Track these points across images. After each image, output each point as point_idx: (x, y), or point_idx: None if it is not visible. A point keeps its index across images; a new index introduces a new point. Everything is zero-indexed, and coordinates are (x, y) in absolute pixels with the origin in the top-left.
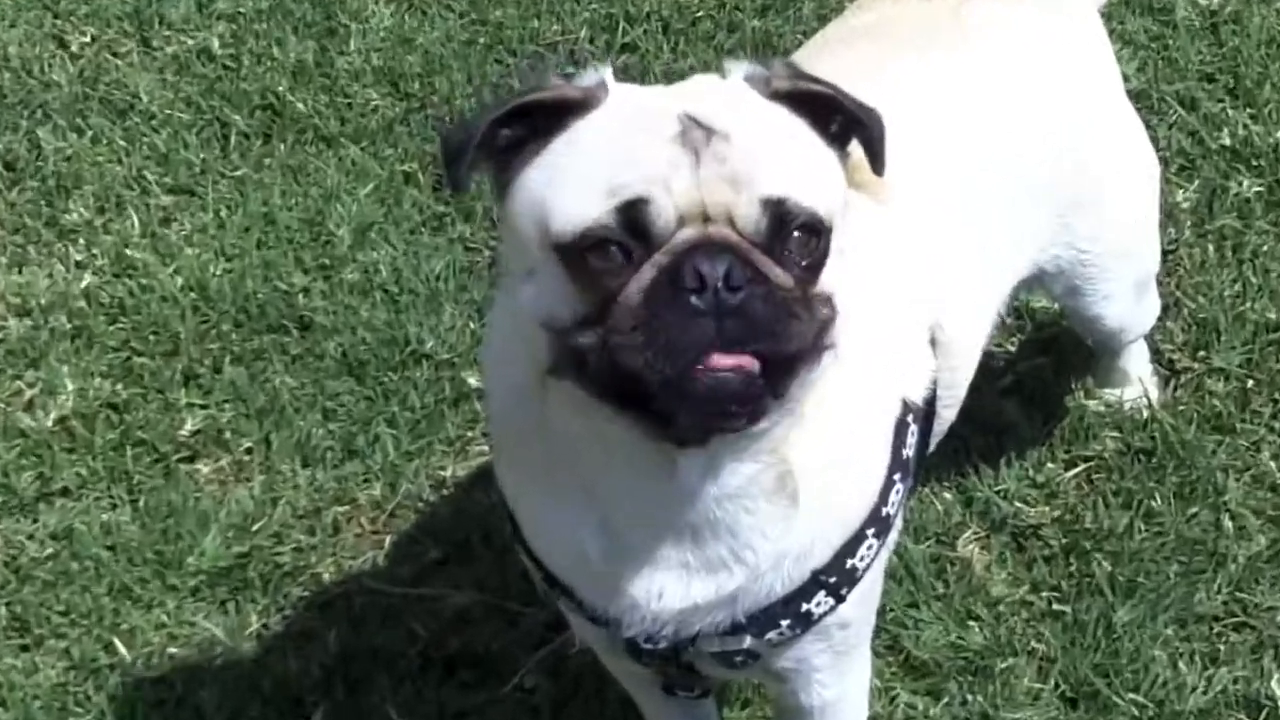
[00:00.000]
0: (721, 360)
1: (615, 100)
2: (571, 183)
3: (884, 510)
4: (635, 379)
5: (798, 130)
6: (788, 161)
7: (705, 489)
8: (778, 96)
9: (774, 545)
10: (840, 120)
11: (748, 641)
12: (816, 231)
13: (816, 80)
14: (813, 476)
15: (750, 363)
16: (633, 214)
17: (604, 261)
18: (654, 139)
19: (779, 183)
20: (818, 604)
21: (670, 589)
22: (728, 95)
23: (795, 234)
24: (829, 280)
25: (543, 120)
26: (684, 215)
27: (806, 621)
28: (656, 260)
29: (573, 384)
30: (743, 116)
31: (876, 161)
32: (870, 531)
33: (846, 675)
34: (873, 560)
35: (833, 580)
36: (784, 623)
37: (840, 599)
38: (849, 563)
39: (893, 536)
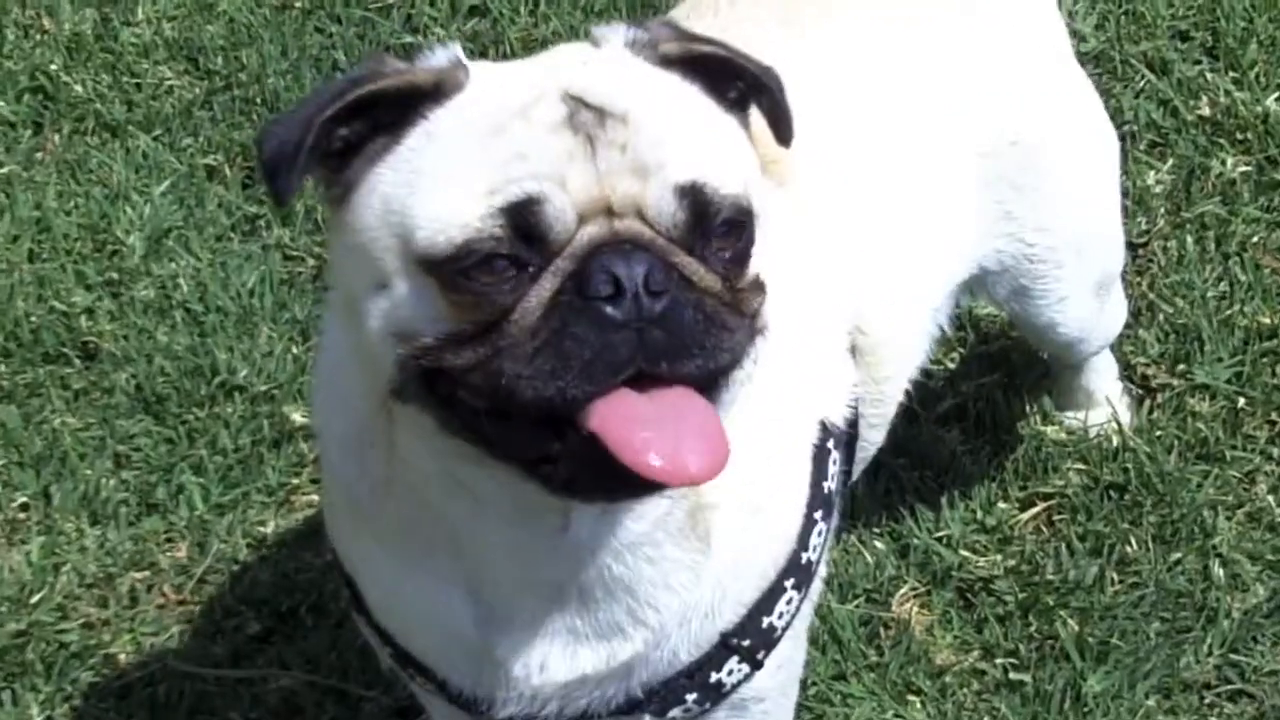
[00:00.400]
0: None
1: (478, 82)
2: (439, 186)
3: (804, 556)
4: (531, 413)
5: (699, 102)
6: (697, 141)
7: (602, 540)
8: (668, 63)
9: (681, 599)
10: (739, 86)
11: None
12: (740, 219)
13: (710, 41)
14: (729, 511)
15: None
16: (524, 217)
17: (490, 276)
18: (537, 127)
19: (692, 167)
20: (729, 672)
21: (554, 660)
22: (612, 67)
23: (718, 225)
24: (758, 261)
25: (387, 113)
26: (584, 214)
27: (717, 694)
28: (558, 267)
29: (430, 417)
30: (636, 92)
31: (782, 130)
32: (789, 582)
33: None
34: (793, 617)
35: (746, 643)
36: (690, 697)
37: (756, 665)
38: (765, 621)
39: (816, 587)
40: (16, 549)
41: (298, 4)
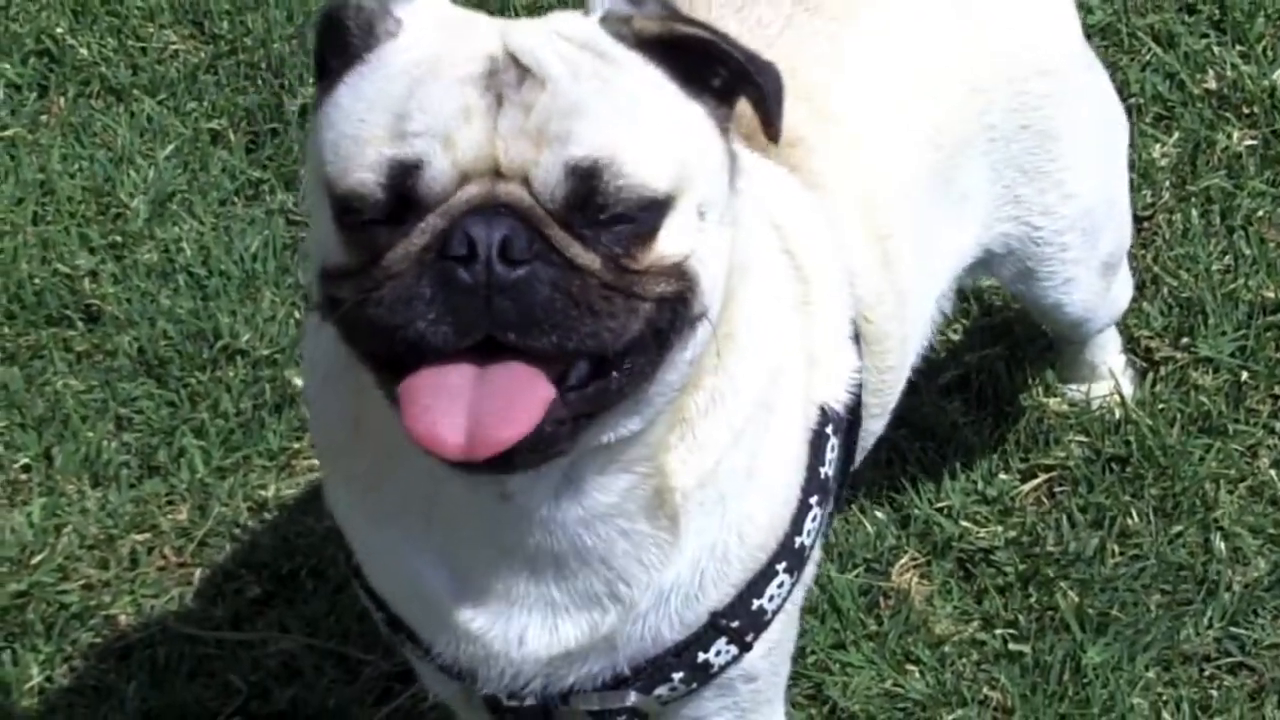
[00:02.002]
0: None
1: (417, 31)
2: (348, 128)
3: (798, 540)
4: (395, 361)
5: (650, 83)
6: (616, 119)
7: (565, 512)
8: (643, 42)
9: (650, 575)
10: (724, 74)
11: (633, 698)
12: (641, 205)
13: (696, 24)
14: (697, 493)
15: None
16: (401, 178)
17: (370, 222)
18: (452, 80)
19: (596, 143)
20: (717, 653)
21: (534, 633)
22: (571, 34)
23: (607, 206)
24: (679, 247)
25: (358, 40)
26: (468, 171)
27: (704, 674)
28: (430, 223)
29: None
30: (574, 61)
31: (769, 123)
32: (781, 566)
33: None
34: (784, 600)
35: (735, 625)
36: (677, 675)
37: (745, 647)
38: (755, 603)
39: (809, 571)
40: (18, 510)
41: None
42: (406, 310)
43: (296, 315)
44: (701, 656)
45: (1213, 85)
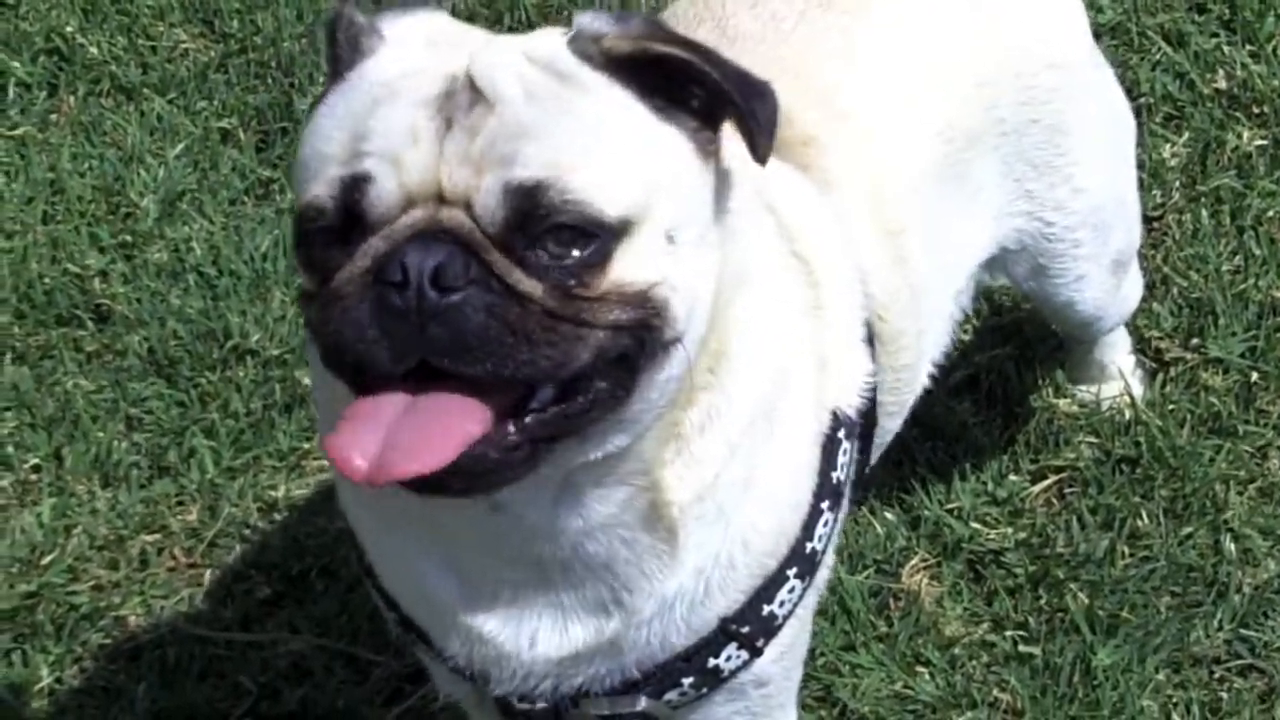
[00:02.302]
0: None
1: (403, 43)
2: (319, 141)
3: (809, 545)
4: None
5: (614, 104)
6: (562, 142)
7: (564, 522)
8: (613, 61)
9: (652, 584)
10: (701, 94)
11: (643, 703)
12: (587, 230)
13: (674, 42)
14: (695, 507)
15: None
16: (350, 195)
17: (323, 240)
18: (408, 102)
19: (541, 167)
20: (728, 658)
21: (544, 635)
22: (536, 54)
23: (550, 231)
24: (641, 274)
25: (345, 55)
26: (414, 195)
27: (715, 679)
28: (373, 245)
29: None
30: (532, 82)
31: (755, 148)
32: (792, 571)
33: None
34: (796, 605)
35: (746, 630)
36: (687, 680)
37: (756, 652)
38: (766, 609)
39: (822, 575)
40: (28, 510)
41: None
42: (351, 332)
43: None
44: (712, 662)
45: (1223, 85)
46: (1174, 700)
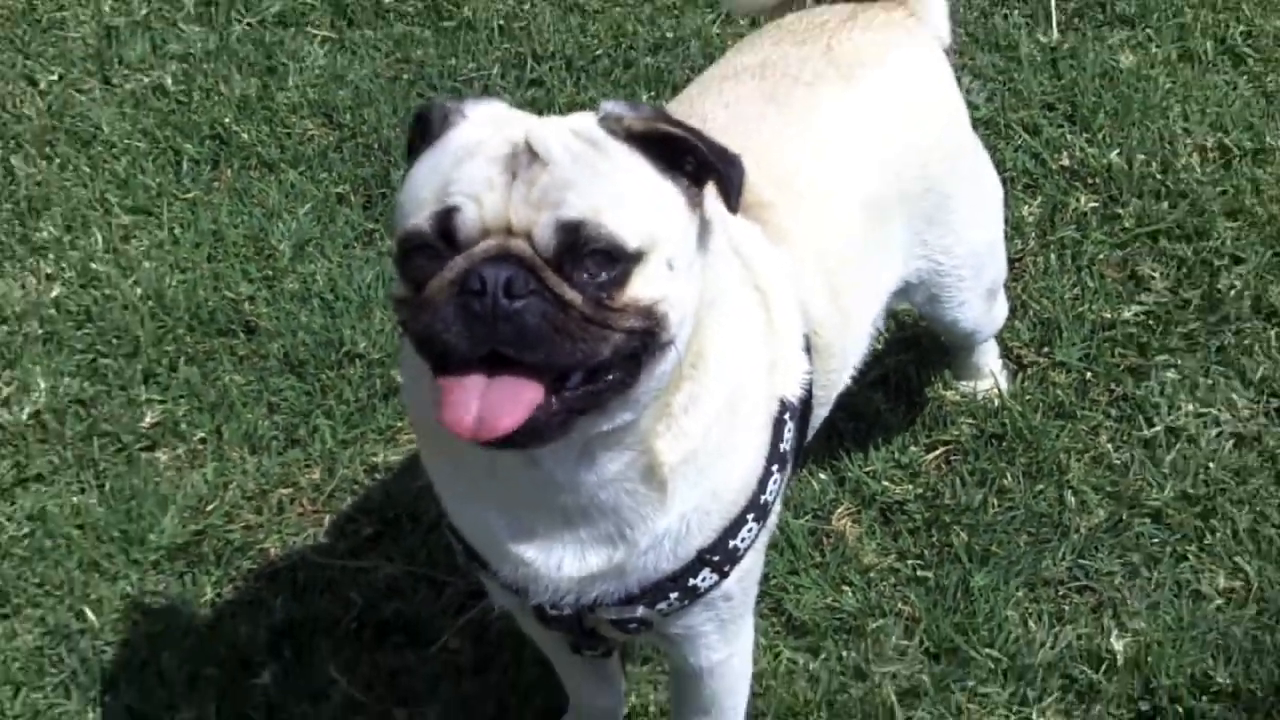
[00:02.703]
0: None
1: (478, 120)
2: (413, 192)
3: (762, 498)
4: (433, 366)
5: (635, 168)
6: (597, 192)
7: (583, 477)
8: (631, 136)
9: (649, 524)
10: (693, 162)
11: (640, 611)
12: (614, 255)
13: (675, 124)
14: (681, 467)
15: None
16: (443, 222)
17: (420, 258)
18: (483, 159)
19: (581, 209)
20: (703, 579)
21: (568, 561)
22: (576, 128)
23: (589, 256)
24: (651, 292)
25: (436, 127)
26: (489, 228)
27: (693, 594)
28: (457, 263)
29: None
30: (574, 148)
31: (728, 200)
32: (750, 516)
33: (732, 641)
34: (753, 541)
35: (716, 559)
36: (673, 595)
37: (724, 575)
38: (731, 543)
39: (772, 520)
40: (196, 471)
41: (405, 76)
42: (440, 327)
43: (399, 329)
44: (691, 582)
45: (1066, 163)
46: (1030, 612)
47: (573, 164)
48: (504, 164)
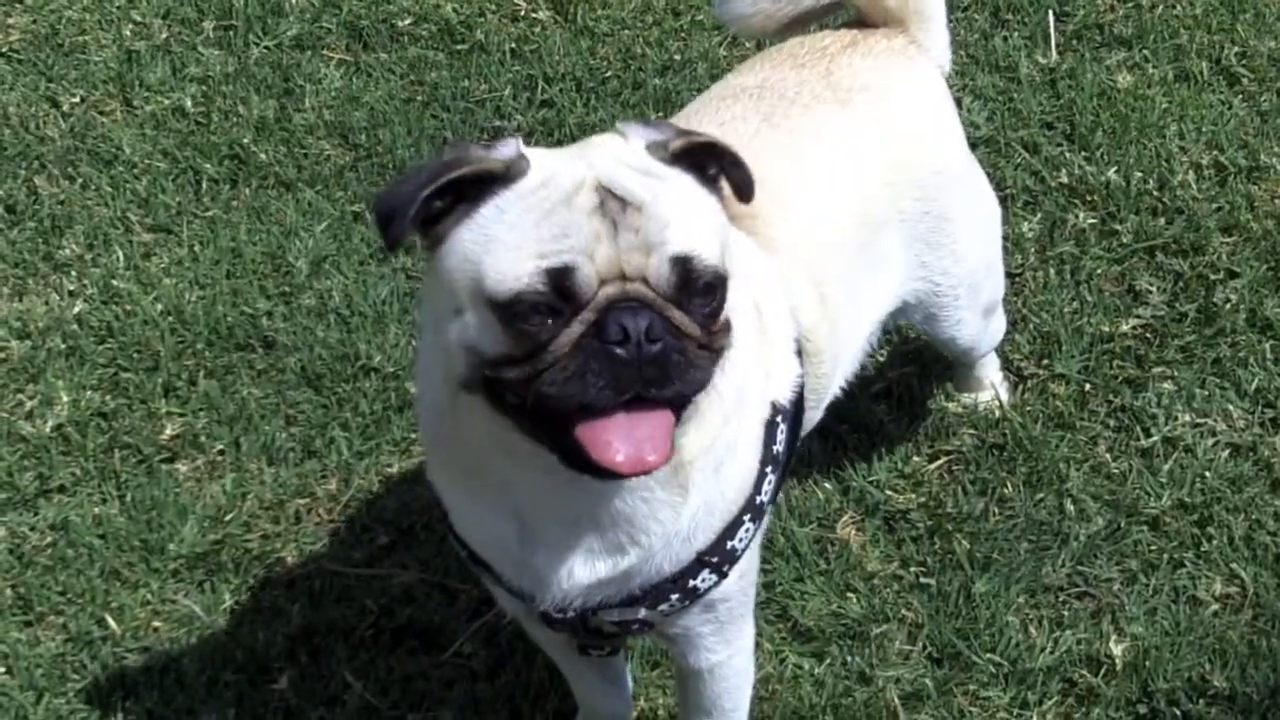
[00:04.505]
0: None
1: (535, 171)
2: (505, 250)
3: (758, 499)
4: (559, 416)
5: (694, 191)
6: (689, 223)
7: (609, 486)
8: (674, 158)
9: (664, 529)
10: (717, 165)
11: (642, 612)
12: (716, 282)
13: (701, 136)
14: (700, 460)
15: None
16: (561, 279)
17: (535, 317)
18: (576, 212)
19: (684, 243)
20: (703, 580)
21: (578, 570)
22: (634, 164)
23: (700, 287)
24: (727, 309)
25: (469, 189)
26: (604, 278)
27: (693, 595)
28: (584, 317)
29: (484, 402)
30: (649, 185)
31: (745, 193)
32: (747, 517)
33: (731, 643)
34: (750, 541)
35: (715, 560)
36: (674, 596)
37: (723, 575)
38: (729, 544)
39: (766, 521)
40: (216, 481)
41: (419, 98)
42: (579, 382)
43: (414, 343)
44: (691, 583)
45: (1065, 180)
46: (1030, 617)
47: (655, 202)
48: (600, 214)
